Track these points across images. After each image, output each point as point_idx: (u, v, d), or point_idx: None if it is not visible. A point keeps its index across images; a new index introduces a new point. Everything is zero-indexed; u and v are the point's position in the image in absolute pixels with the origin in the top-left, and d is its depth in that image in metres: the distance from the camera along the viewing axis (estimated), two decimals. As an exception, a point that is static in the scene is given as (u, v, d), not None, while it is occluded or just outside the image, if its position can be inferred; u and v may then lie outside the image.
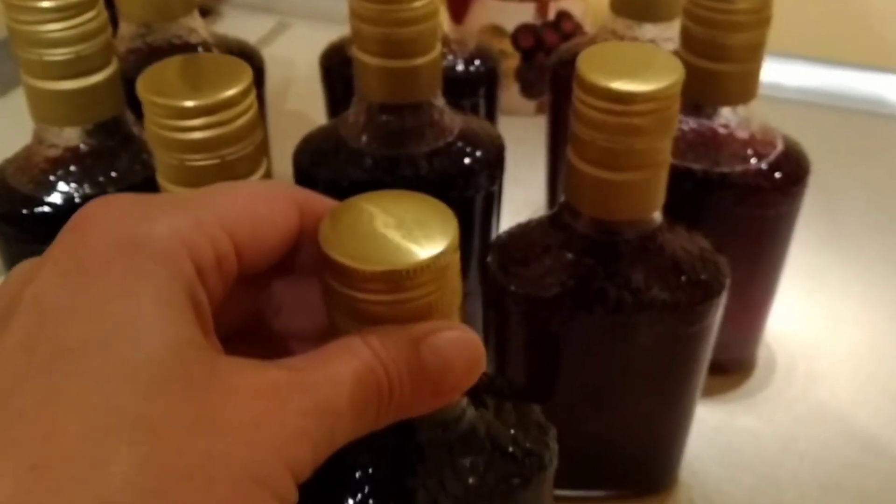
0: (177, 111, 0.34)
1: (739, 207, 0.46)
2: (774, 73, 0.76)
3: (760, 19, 0.43)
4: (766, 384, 0.53)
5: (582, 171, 0.37)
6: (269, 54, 0.61)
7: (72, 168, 0.44)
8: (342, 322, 0.25)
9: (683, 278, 0.39)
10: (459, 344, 0.24)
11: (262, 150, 0.36)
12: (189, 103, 0.33)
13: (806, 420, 0.51)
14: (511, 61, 0.73)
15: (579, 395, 0.42)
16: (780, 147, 0.47)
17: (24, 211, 0.44)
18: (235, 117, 0.34)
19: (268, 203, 0.24)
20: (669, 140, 0.37)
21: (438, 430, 0.30)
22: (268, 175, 0.37)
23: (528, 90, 0.75)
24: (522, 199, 0.63)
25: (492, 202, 0.49)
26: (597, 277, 0.39)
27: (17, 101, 0.43)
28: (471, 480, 0.31)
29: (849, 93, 0.77)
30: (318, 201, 0.25)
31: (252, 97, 0.35)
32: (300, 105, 0.75)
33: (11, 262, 0.46)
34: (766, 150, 0.46)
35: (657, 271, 0.39)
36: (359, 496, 0.31)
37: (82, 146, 0.44)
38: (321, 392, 0.22)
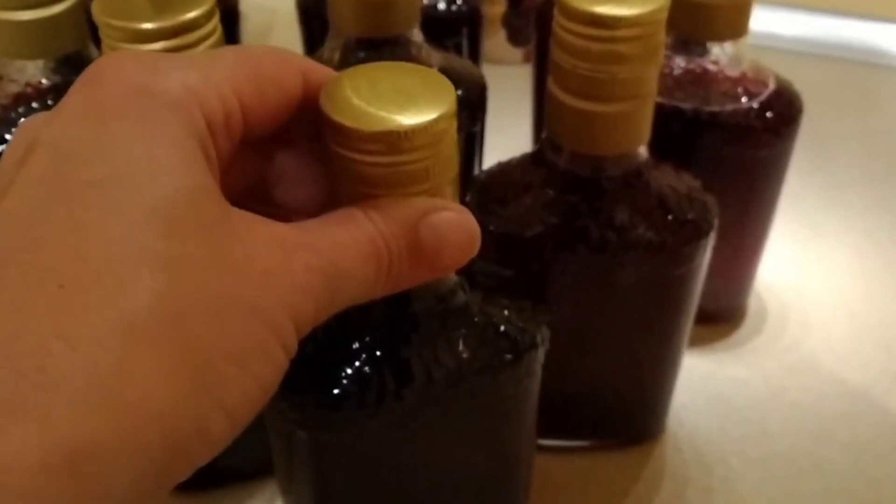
0: (134, 34, 0.32)
1: (730, 148, 0.44)
2: (768, 22, 0.74)
3: (753, -51, 0.41)
4: (757, 334, 0.52)
5: (564, 103, 0.35)
6: (250, 3, 0.59)
7: (34, 105, 0.42)
8: (343, 187, 0.26)
9: (670, 217, 0.38)
10: (455, 224, 0.26)
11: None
12: (148, 25, 0.32)
13: (797, 370, 0.49)
14: (497, 7, 0.71)
15: (563, 340, 0.40)
16: (771, 86, 0.45)
17: (-16, 150, 0.42)
18: (197, 41, 0.32)
19: (274, 66, 0.24)
20: (656, 69, 0.35)
21: (433, 302, 0.31)
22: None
23: (514, 37, 0.72)
24: (508, 147, 0.61)
25: (473, 143, 0.47)
26: (580, 215, 0.37)
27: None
28: (463, 353, 0.32)
29: (842, 42, 0.75)
30: (321, 70, 0.26)
31: (215, 21, 0.33)
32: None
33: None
34: (757, 90, 0.45)
35: (643, 209, 0.37)
36: (355, 364, 0.31)
37: (44, 81, 0.42)
38: (326, 253, 0.23)
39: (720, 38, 0.43)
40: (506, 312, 0.33)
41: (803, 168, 0.60)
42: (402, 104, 0.26)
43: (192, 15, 0.32)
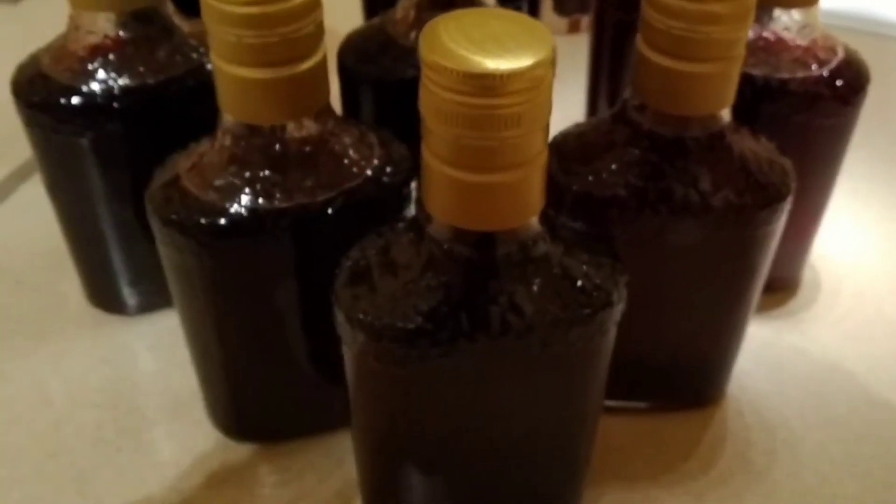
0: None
1: (798, 115, 0.45)
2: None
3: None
4: (812, 303, 0.52)
5: (653, 62, 0.36)
6: None
7: (110, 57, 0.42)
8: (436, 126, 0.29)
9: (751, 179, 0.38)
10: None
11: (321, 31, 0.35)
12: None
13: (852, 338, 0.50)
14: (544, -23, 0.71)
15: (637, 300, 0.41)
16: (840, 55, 0.45)
17: (62, 100, 0.42)
18: (298, -7, 0.33)
19: None
20: (746, 32, 0.35)
21: (515, 247, 0.32)
22: (324, 62, 0.36)
23: (561, 6, 0.72)
24: (559, 119, 0.61)
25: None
26: (663, 176, 0.37)
27: (30, 7, 0.41)
28: (539, 303, 0.32)
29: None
30: None
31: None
32: (336, 24, 0.73)
33: (46, 154, 0.44)
34: (827, 58, 0.45)
35: (725, 172, 0.38)
36: (433, 303, 0.32)
37: (120, 34, 0.42)
38: None
39: (791, 4, 0.44)
40: (584, 268, 0.33)
41: (857, 141, 0.61)
42: (500, 49, 0.27)
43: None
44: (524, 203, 0.31)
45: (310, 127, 0.36)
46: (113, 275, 0.49)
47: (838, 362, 0.49)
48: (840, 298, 0.52)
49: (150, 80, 0.43)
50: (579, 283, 0.33)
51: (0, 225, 0.56)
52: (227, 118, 0.36)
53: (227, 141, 0.36)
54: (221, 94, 0.35)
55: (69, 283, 0.51)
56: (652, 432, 0.45)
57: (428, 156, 0.30)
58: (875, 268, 0.54)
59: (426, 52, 0.28)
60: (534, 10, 0.56)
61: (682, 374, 0.45)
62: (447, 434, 0.35)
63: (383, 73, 0.44)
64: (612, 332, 0.35)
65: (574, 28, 0.73)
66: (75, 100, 0.42)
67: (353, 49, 0.46)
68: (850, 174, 0.59)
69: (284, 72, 0.34)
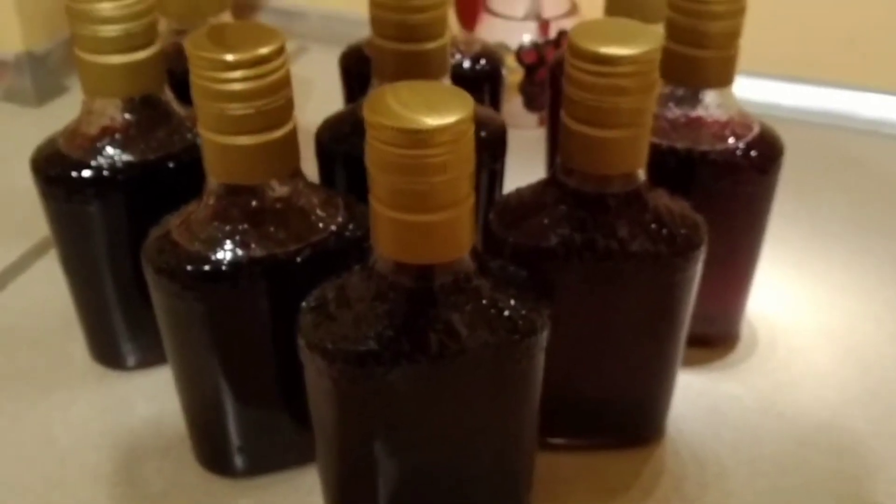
0: (219, 64, 0.38)
1: (719, 183, 0.51)
2: (764, 90, 0.82)
3: (736, 9, 0.48)
4: (749, 356, 0.57)
5: (574, 130, 0.42)
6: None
7: (116, 136, 0.49)
8: (376, 175, 0.35)
9: (665, 231, 0.44)
10: None
11: (291, 105, 0.41)
12: (230, 57, 0.38)
13: (785, 387, 0.55)
14: (515, 76, 0.79)
15: (572, 343, 0.46)
16: (756, 130, 0.52)
17: (73, 173, 0.48)
18: (270, 72, 0.39)
19: None
20: (652, 102, 0.41)
21: (450, 279, 0.37)
22: (295, 131, 0.42)
23: (530, 103, 0.80)
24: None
25: (494, 180, 0.54)
26: (587, 228, 0.43)
27: (55, 111, 0.47)
28: (472, 328, 0.37)
29: (827, 110, 0.83)
30: None
31: (284, 57, 0.40)
32: (318, 119, 0.80)
33: (59, 223, 0.51)
34: (743, 132, 0.51)
35: (641, 224, 0.43)
36: (379, 328, 0.37)
37: (125, 116, 0.49)
38: None
39: (710, 85, 0.50)
40: (512, 301, 0.39)
41: (790, 216, 0.67)
42: (429, 110, 0.34)
43: (266, 50, 0.39)
44: (456, 240, 0.37)
45: (282, 187, 0.42)
46: (114, 333, 0.55)
47: (770, 407, 0.53)
48: (775, 352, 0.57)
49: (151, 157, 0.49)
50: (506, 312, 0.39)
51: (21, 293, 0.63)
52: (212, 181, 0.42)
53: (212, 200, 0.42)
54: (207, 159, 0.42)
55: (76, 343, 0.57)
56: (595, 466, 0.50)
57: (374, 202, 0.36)
58: (807, 324, 0.59)
59: (369, 114, 0.34)
60: (495, 98, 0.63)
61: (621, 413, 0.50)
62: (396, 448, 0.40)
63: (352, 149, 0.51)
64: (539, 359, 0.40)
65: (543, 123, 0.80)
66: (85, 173, 0.48)
67: (328, 129, 0.53)
68: (787, 243, 0.65)
69: (260, 139, 0.40)
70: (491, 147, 0.53)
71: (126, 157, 0.49)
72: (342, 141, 0.52)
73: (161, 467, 0.50)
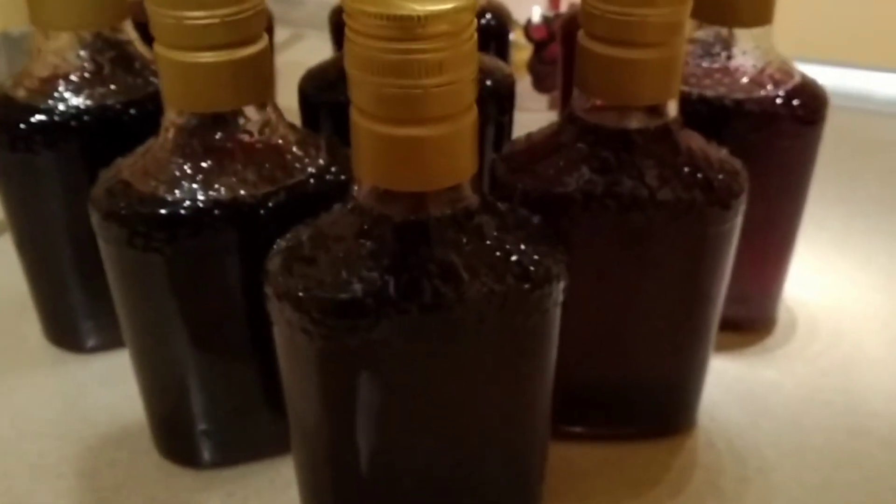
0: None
1: (756, 136, 0.45)
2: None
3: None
4: (787, 342, 0.51)
5: (594, 53, 0.36)
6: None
7: (71, 78, 0.43)
8: (358, 78, 0.29)
9: (700, 175, 0.37)
10: None
11: (264, 19, 0.35)
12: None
13: (831, 374, 0.48)
14: (522, 53, 0.73)
15: (591, 312, 0.40)
16: (797, 78, 0.46)
17: (18, 118, 0.42)
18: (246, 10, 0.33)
19: None
20: (685, 15, 0.35)
21: (447, 212, 0.31)
22: (268, 52, 0.36)
23: (540, 84, 0.74)
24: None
25: (502, 135, 0.48)
26: (610, 170, 0.37)
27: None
28: (474, 274, 0.31)
29: (863, 93, 0.77)
30: None
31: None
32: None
33: (4, 172, 0.44)
34: (783, 79, 0.45)
35: (673, 166, 0.37)
36: (362, 270, 0.31)
37: (81, 55, 0.43)
38: None
39: (744, 24, 0.44)
40: (522, 245, 0.33)
41: (828, 198, 0.61)
42: None
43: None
44: (454, 163, 0.30)
45: (253, 119, 0.36)
46: (70, 310, 0.48)
47: (814, 395, 0.47)
48: (816, 337, 0.51)
49: (110, 102, 0.43)
50: (515, 257, 0.32)
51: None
52: (170, 111, 0.36)
53: (170, 133, 0.36)
54: (164, 83, 0.36)
55: (30, 322, 0.51)
56: (618, 459, 0.43)
57: (355, 115, 0.30)
58: (852, 309, 0.53)
59: (348, 2, 0.28)
60: (502, 55, 0.57)
61: (646, 398, 0.43)
62: (382, 425, 0.34)
63: (338, 97, 0.45)
64: (554, 315, 0.34)
65: (554, 105, 0.74)
66: (34, 118, 0.42)
67: (311, 79, 0.47)
68: (825, 227, 0.59)
69: (226, 56, 0.34)
70: (498, 98, 0.47)
71: (81, 102, 0.43)
72: (327, 90, 0.46)
73: (116, 458, 0.43)
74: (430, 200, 0.31)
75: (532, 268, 0.32)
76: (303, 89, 0.47)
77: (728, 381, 0.47)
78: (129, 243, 0.36)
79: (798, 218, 0.48)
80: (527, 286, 0.32)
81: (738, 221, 0.39)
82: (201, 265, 0.37)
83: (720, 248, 0.39)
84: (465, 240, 0.31)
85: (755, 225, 0.42)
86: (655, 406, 0.44)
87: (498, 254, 0.32)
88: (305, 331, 0.31)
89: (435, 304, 0.31)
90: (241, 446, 0.42)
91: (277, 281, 0.32)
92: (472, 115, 0.30)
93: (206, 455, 0.42)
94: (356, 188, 0.32)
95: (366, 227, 0.31)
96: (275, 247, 0.33)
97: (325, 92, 0.46)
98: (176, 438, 0.42)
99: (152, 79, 0.44)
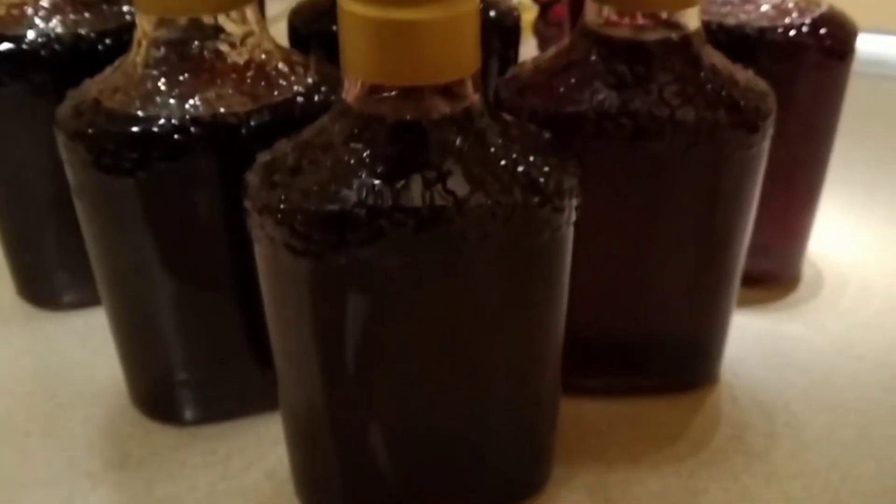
0: None
1: (778, 68, 0.41)
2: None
3: None
4: (814, 296, 0.47)
5: (607, -45, 0.33)
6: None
7: (41, 3, 0.40)
8: None
9: (724, 95, 0.34)
10: None
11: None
12: None
13: (862, 328, 0.45)
14: (528, 14, 0.70)
15: (604, 251, 0.36)
16: (824, 7, 0.42)
17: (-13, 46, 0.39)
18: None
19: None
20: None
21: (445, 111, 0.28)
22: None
23: (545, 46, 0.71)
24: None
25: (506, 68, 0.44)
26: (626, 86, 0.34)
27: None
28: (476, 183, 0.28)
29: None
30: None
31: None
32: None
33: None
34: (808, 8, 0.42)
35: (695, 83, 0.34)
36: (350, 179, 0.27)
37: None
38: None
39: (768, -54, 0.41)
40: (532, 156, 0.29)
41: (849, 158, 0.57)
42: None
43: None
44: (454, 53, 0.27)
45: (234, 29, 0.33)
46: (44, 263, 0.45)
47: (846, 350, 0.43)
48: (845, 292, 0.47)
49: (83, 31, 0.40)
50: (522, 167, 0.29)
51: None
52: (143, 23, 0.33)
53: (143, 46, 0.33)
54: (135, -11, 0.32)
55: (3, 282, 0.47)
56: (634, 415, 0.39)
57: (343, 1, 0.27)
58: (882, 266, 0.49)
59: None
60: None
61: (666, 348, 0.40)
62: (374, 361, 0.30)
63: (329, 27, 0.41)
64: (566, 237, 0.30)
65: (559, 69, 0.71)
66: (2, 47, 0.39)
67: (300, 13, 0.44)
68: (848, 184, 0.55)
69: (201, -44, 0.31)
70: (501, 30, 0.44)
71: (52, 30, 0.40)
72: (317, 20, 0.43)
73: (89, 416, 0.40)
74: (427, 98, 0.28)
75: (542, 179, 0.29)
76: (292, 23, 0.44)
77: (751, 336, 0.44)
78: (97, 166, 0.33)
79: (825, 162, 0.45)
80: (536, 200, 0.28)
81: (766, 147, 0.36)
82: (177, 190, 0.33)
83: (745, 176, 0.36)
84: (466, 145, 0.28)
85: (779, 167, 0.39)
86: (675, 358, 0.40)
87: (503, 163, 0.28)
88: (289, 248, 0.28)
89: (432, 216, 0.27)
90: (224, 400, 0.39)
91: (258, 194, 0.29)
92: (475, 2, 0.27)
93: (187, 410, 0.39)
94: (345, 92, 0.29)
95: (356, 131, 0.28)
96: (256, 160, 0.30)
97: (314, 23, 0.43)
98: (153, 391, 0.39)
99: (129, 7, 0.41)
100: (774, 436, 0.38)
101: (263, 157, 0.30)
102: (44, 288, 0.46)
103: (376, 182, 0.27)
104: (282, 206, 0.28)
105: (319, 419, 0.33)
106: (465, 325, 0.30)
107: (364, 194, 0.27)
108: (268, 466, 0.37)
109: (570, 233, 0.30)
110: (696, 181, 0.35)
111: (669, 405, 0.40)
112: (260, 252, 0.30)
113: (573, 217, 0.30)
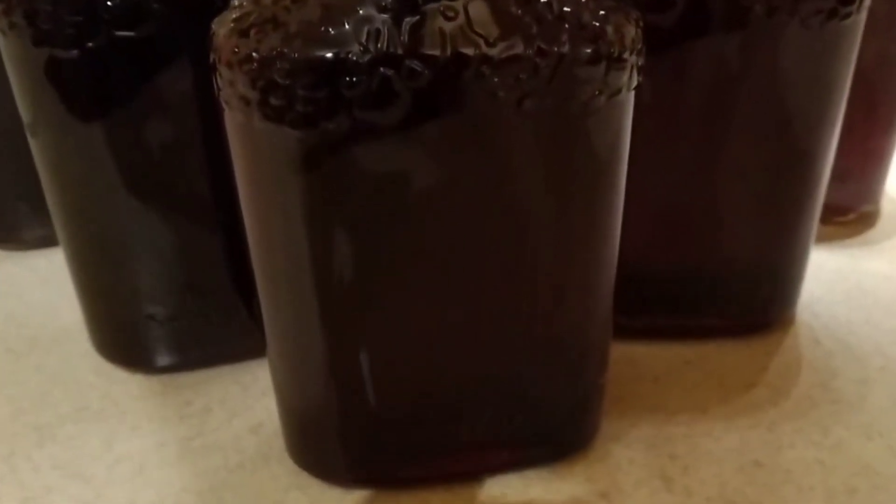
0: None
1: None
2: None
3: None
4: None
5: None
6: None
7: None
8: None
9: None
10: None
11: None
12: None
13: (958, 265, 0.38)
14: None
15: (664, 157, 0.30)
16: None
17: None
18: None
19: None
20: None
21: None
22: None
23: None
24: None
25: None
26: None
27: None
28: (509, 26, 0.21)
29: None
30: None
31: None
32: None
33: None
34: None
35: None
36: (345, 20, 0.21)
37: None
38: None
39: None
40: None
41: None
42: None
43: None
44: None
45: None
46: (3, 195, 0.39)
47: (942, 288, 0.36)
48: (934, 228, 0.41)
49: None
50: (568, 8, 0.22)
51: None
52: None
53: None
54: None
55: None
56: (697, 359, 0.33)
57: None
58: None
59: None
60: None
61: (734, 282, 0.33)
62: (380, 276, 0.24)
63: None
64: (627, 104, 0.24)
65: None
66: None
67: None
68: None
69: None
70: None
71: None
72: None
73: (43, 363, 0.33)
74: None
75: (596, 23, 0.22)
76: None
77: (828, 274, 0.37)
78: (36, 41, 0.26)
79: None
80: (588, 50, 0.22)
81: (861, 20, 0.29)
82: (134, 67, 0.27)
83: (836, 57, 0.29)
84: (498, -24, 0.21)
85: (856, 91, 0.32)
86: (744, 293, 0.33)
87: (546, 3, 0.22)
88: (268, 113, 0.22)
89: (455, 66, 0.21)
90: (200, 342, 0.32)
91: (227, 43, 0.22)
92: None
93: (157, 355, 0.32)
94: None
95: (353, -42, 0.21)
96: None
97: None
98: (118, 331, 0.32)
99: None
100: (869, 382, 0.32)
101: (232, 1, 0.24)
102: (3, 222, 0.40)
103: (382, 18, 0.21)
104: (256, 55, 0.21)
105: (315, 357, 0.26)
106: (496, 219, 0.23)
107: (365, 35, 0.21)
108: (253, 419, 0.30)
109: (630, 101, 0.24)
110: (779, 64, 0.29)
111: (737, 349, 0.33)
112: (232, 125, 0.23)
113: (635, 81, 0.23)
